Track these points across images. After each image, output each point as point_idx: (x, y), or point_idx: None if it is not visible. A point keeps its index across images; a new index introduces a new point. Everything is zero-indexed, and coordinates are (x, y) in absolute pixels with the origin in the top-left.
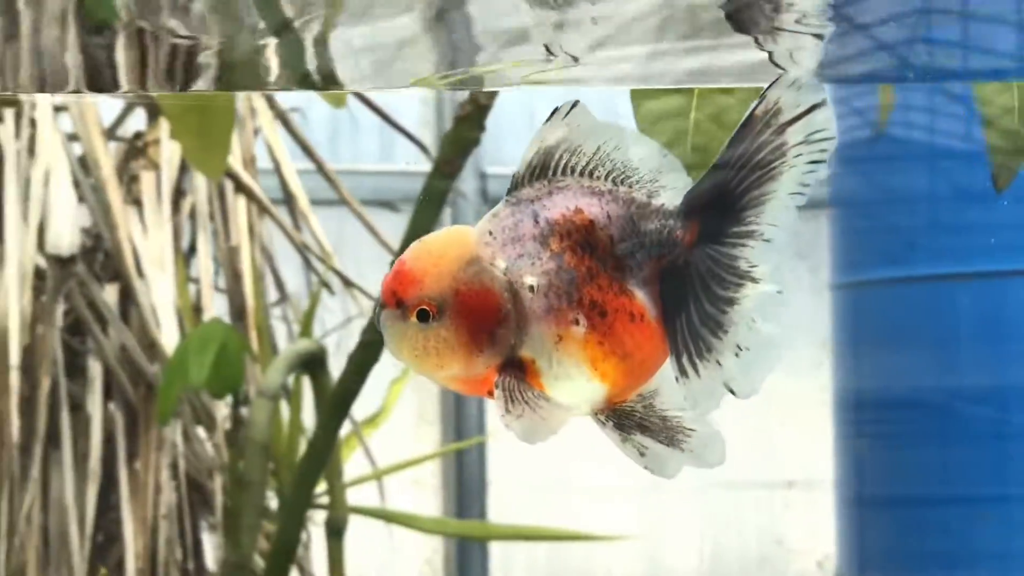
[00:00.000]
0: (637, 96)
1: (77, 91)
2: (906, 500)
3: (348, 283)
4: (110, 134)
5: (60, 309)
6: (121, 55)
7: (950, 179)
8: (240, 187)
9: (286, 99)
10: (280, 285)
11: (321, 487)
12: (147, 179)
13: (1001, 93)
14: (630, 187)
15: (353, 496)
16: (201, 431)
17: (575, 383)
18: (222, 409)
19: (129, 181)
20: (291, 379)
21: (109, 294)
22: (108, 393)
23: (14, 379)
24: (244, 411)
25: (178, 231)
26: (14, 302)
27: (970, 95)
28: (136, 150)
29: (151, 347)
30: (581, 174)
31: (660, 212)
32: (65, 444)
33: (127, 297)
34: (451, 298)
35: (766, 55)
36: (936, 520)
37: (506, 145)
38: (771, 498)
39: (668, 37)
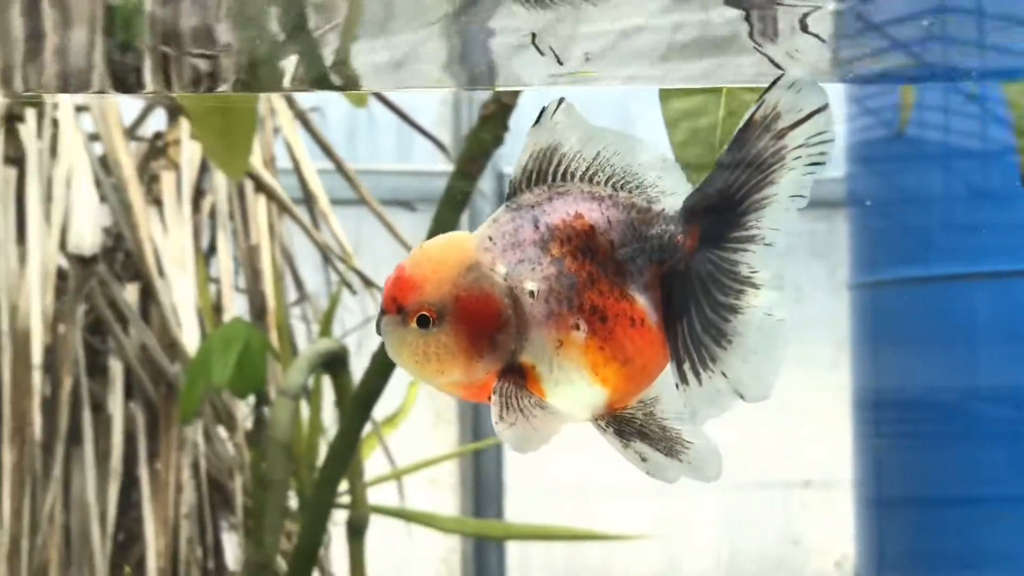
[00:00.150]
0: (665, 94)
1: (101, 91)
2: (925, 500)
3: (368, 283)
4: (130, 134)
5: (81, 309)
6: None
7: (967, 178)
8: (260, 187)
9: (305, 99)
10: (299, 284)
11: (340, 487)
12: (167, 179)
13: None
14: (630, 192)
15: (370, 496)
16: (222, 431)
17: (576, 388)
18: (242, 409)
19: (149, 181)
20: (310, 379)
21: (130, 294)
22: (129, 392)
23: (36, 378)
24: (265, 410)
25: (198, 231)
26: (36, 301)
27: (987, 95)
28: (156, 150)
29: (171, 346)
30: (581, 179)
31: (661, 217)
32: (87, 443)
33: (148, 297)
34: (451, 304)
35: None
36: (955, 520)
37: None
38: (788, 498)
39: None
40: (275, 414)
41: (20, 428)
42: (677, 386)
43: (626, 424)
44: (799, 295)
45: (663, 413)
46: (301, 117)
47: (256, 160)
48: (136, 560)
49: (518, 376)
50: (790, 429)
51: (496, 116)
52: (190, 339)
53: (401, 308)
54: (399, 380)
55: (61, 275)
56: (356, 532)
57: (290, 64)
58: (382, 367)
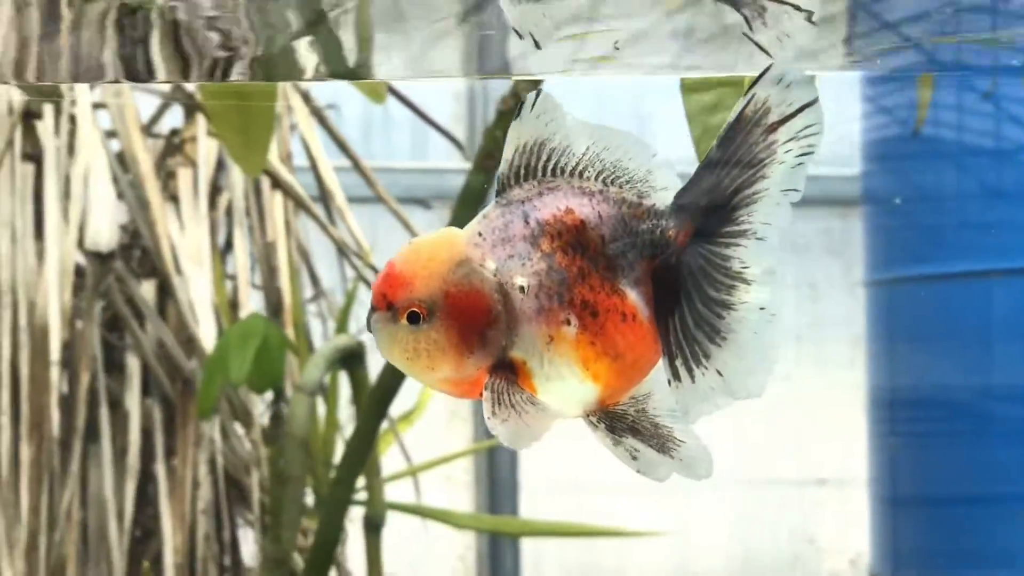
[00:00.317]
0: (686, 88)
1: (116, 80)
2: (940, 498)
3: None
4: (147, 131)
5: (98, 305)
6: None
7: (982, 176)
8: (277, 183)
9: (321, 96)
10: (315, 281)
11: (357, 483)
12: (184, 176)
13: None
14: (621, 187)
15: (386, 493)
16: (238, 427)
17: (567, 384)
18: (258, 405)
19: (166, 178)
20: (326, 375)
21: (147, 290)
22: (146, 389)
23: (54, 375)
24: (282, 407)
25: (215, 227)
26: (54, 298)
27: (1001, 94)
28: (173, 147)
29: (188, 343)
30: (571, 174)
31: (651, 212)
32: (104, 439)
33: (164, 293)
34: (441, 300)
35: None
36: (970, 518)
37: None
38: (803, 496)
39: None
40: (293, 410)
41: (38, 424)
42: (669, 382)
43: (618, 420)
44: (814, 293)
45: (655, 410)
46: (317, 114)
47: (272, 157)
48: (153, 556)
49: (509, 372)
50: (805, 427)
51: (514, 111)
52: (207, 336)
53: (391, 305)
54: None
55: (79, 272)
56: (373, 528)
57: (305, 49)
58: None
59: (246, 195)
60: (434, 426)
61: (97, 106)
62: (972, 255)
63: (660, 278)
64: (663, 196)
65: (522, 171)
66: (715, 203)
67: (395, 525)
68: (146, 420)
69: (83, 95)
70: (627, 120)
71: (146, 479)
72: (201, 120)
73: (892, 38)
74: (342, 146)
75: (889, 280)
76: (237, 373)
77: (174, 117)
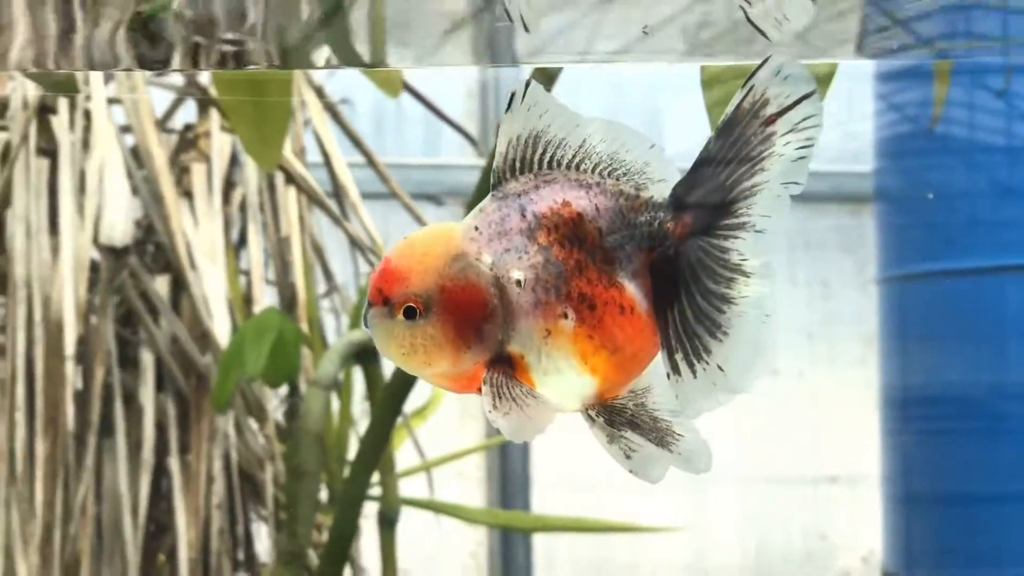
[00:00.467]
0: (706, 82)
1: (129, 69)
2: (952, 496)
3: None
4: (161, 126)
5: (113, 300)
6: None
7: (995, 173)
8: (290, 179)
9: (335, 91)
10: (329, 276)
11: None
12: (198, 171)
13: None
14: (618, 180)
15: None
16: (252, 422)
17: (565, 377)
18: (272, 400)
19: (180, 173)
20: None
21: (161, 285)
22: (160, 384)
23: (69, 369)
24: (295, 401)
25: (228, 223)
26: (69, 293)
27: (1014, 91)
28: (187, 142)
29: (202, 338)
30: (568, 167)
31: (649, 204)
32: (118, 434)
33: (179, 288)
34: (437, 295)
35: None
36: (982, 516)
37: None
38: (815, 493)
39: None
40: (307, 405)
41: (53, 419)
42: (669, 376)
43: (616, 414)
44: (826, 290)
45: (654, 404)
46: (331, 109)
47: (286, 152)
48: (167, 551)
49: (507, 366)
50: (818, 424)
51: None
52: (221, 331)
53: (387, 300)
54: None
55: (93, 267)
56: (388, 524)
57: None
58: None
59: (260, 190)
60: (447, 421)
61: (112, 101)
62: (984, 252)
63: (659, 271)
64: (661, 188)
65: (517, 164)
66: (713, 195)
67: (408, 521)
68: (160, 415)
69: (98, 90)
70: (639, 114)
71: (160, 474)
72: (215, 115)
73: (904, 35)
74: (355, 142)
75: (901, 277)
76: (253, 367)
77: (188, 112)
